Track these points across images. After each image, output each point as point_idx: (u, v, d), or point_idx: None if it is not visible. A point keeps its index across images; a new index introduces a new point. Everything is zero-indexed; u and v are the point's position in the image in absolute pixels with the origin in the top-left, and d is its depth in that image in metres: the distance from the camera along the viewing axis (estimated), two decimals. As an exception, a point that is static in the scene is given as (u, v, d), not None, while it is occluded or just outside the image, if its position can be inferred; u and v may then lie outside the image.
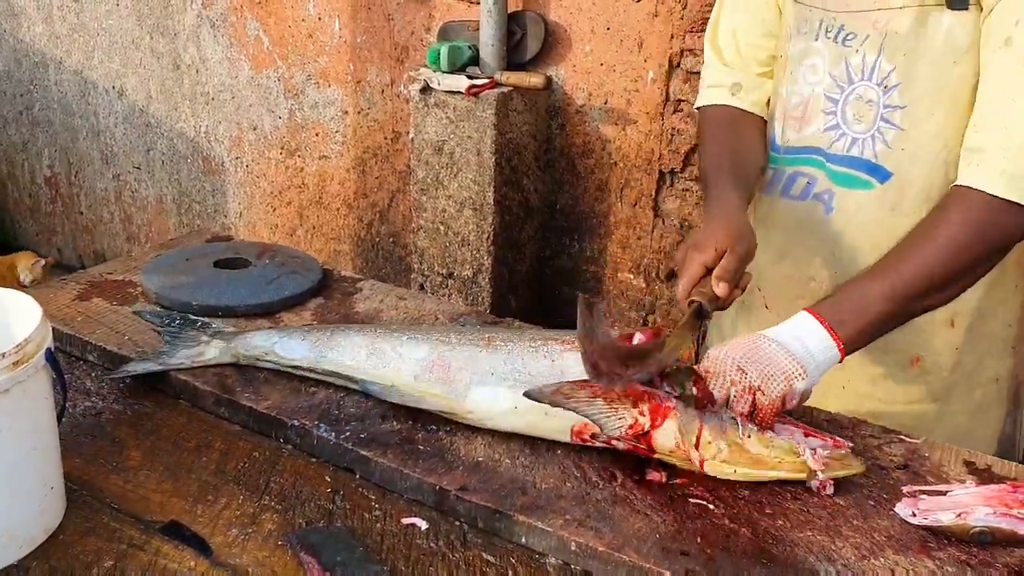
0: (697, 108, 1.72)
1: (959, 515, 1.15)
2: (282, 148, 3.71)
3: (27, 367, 1.05)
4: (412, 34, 3.20)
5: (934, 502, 1.18)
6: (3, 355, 1.02)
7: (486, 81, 2.79)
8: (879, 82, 1.45)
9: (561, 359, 1.34)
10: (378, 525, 1.18)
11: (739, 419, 1.23)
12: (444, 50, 2.82)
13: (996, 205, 1.31)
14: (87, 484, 1.23)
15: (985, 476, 1.28)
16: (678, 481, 1.25)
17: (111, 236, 4.47)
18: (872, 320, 1.31)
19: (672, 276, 2.94)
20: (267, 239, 3.88)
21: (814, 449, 1.23)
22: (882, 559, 1.11)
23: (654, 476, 1.26)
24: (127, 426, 1.37)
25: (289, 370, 1.46)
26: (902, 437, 1.37)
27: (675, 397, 1.25)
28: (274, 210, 3.84)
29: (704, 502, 1.20)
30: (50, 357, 1.10)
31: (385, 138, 3.39)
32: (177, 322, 1.54)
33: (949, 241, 1.32)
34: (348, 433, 1.32)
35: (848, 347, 1.29)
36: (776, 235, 1.61)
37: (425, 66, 2.90)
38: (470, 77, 2.81)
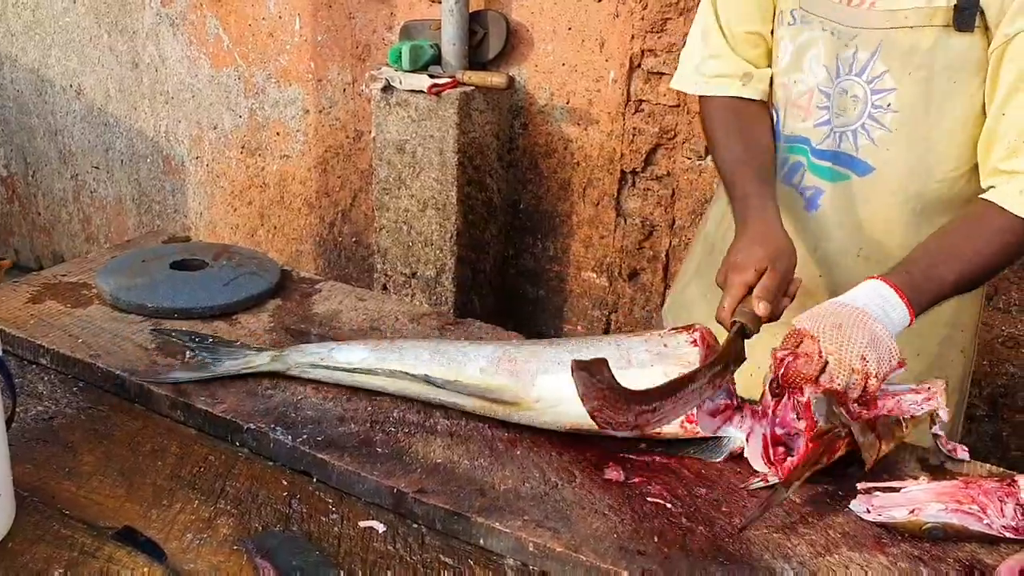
0: (699, 95, 1.66)
1: (912, 511, 1.16)
2: (242, 147, 3.68)
3: (-27, 373, 1.03)
4: (374, 32, 3.18)
5: (888, 499, 1.20)
6: (-52, 360, 1.00)
7: (448, 80, 2.79)
8: (869, 80, 1.46)
9: (626, 343, 1.35)
10: (335, 528, 1.17)
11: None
12: (406, 49, 2.81)
13: None
14: (38, 490, 1.21)
15: (938, 473, 1.29)
16: (636, 480, 1.25)
17: (70, 237, 4.41)
18: (934, 301, 1.35)
19: (635, 276, 2.95)
20: (228, 239, 3.84)
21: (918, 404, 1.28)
22: (837, 556, 1.12)
23: (613, 475, 1.26)
24: (81, 431, 1.35)
25: (343, 375, 1.43)
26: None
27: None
28: (235, 210, 3.81)
29: (661, 501, 1.21)
30: (1, 364, 1.08)
31: (347, 137, 3.37)
32: (209, 341, 1.51)
33: (997, 249, 1.39)
34: (305, 436, 1.31)
35: (915, 315, 1.32)
36: None
37: (387, 65, 2.89)
38: (432, 76, 2.80)
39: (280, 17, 3.39)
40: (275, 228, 3.72)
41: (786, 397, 1.29)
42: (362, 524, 1.18)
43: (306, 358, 1.45)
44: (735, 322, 1.34)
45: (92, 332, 1.57)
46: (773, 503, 1.18)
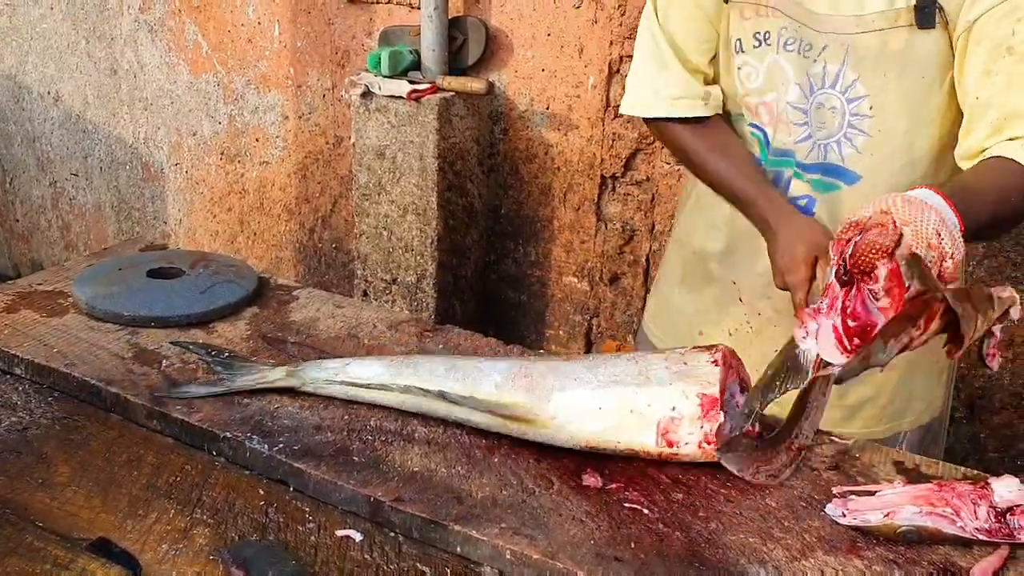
0: (649, 118, 1.67)
1: (887, 515, 1.17)
2: (222, 154, 3.66)
3: (-56, 384, 1.02)
4: (353, 38, 3.17)
5: (863, 502, 1.20)
6: (-82, 372, 0.99)
7: (428, 86, 2.79)
8: (843, 90, 1.47)
9: (644, 360, 1.34)
10: (312, 538, 1.17)
11: None
12: (385, 55, 2.80)
13: None
14: (10, 502, 1.20)
15: (913, 476, 1.30)
16: (613, 486, 1.25)
17: (48, 244, 4.38)
18: (971, 227, 1.23)
19: (616, 280, 2.96)
20: (208, 246, 3.82)
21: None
22: (812, 560, 1.12)
23: (590, 481, 1.26)
24: (55, 441, 1.34)
25: (358, 391, 1.41)
26: (833, 438, 1.39)
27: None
28: (214, 216, 3.79)
29: (638, 506, 1.21)
30: (-31, 373, 1.07)
31: (327, 143, 3.37)
32: (225, 356, 1.51)
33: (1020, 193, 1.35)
34: (281, 445, 1.31)
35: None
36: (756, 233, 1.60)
37: (366, 70, 2.88)
38: (412, 82, 2.80)
39: (259, 23, 3.38)
40: (255, 234, 3.71)
41: (855, 287, 1.17)
42: (339, 533, 1.18)
43: (321, 373, 1.43)
44: None
45: (68, 341, 1.56)
46: (873, 358, 1.10)
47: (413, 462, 1.29)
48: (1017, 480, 1.19)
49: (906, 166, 1.50)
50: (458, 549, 1.15)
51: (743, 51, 1.56)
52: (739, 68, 1.57)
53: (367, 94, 2.83)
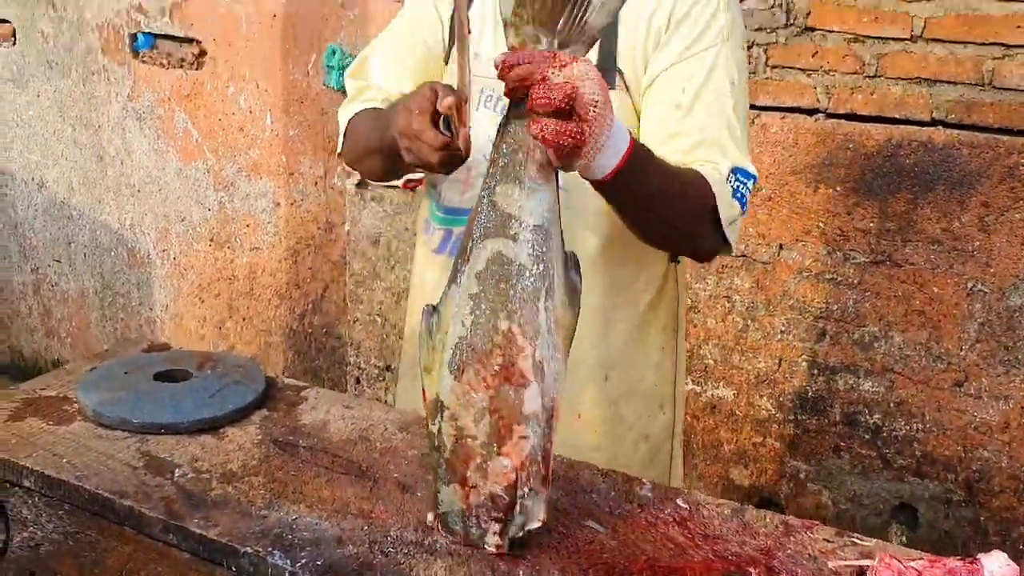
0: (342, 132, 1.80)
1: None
2: (211, 240, 3.66)
3: (-29, 513, 1.00)
4: (345, 127, 3.21)
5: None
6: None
7: (421, 175, 2.81)
8: None
9: None
10: (341, 660, 1.15)
11: None
12: (379, 145, 2.83)
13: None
14: (29, 629, 1.17)
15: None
16: (643, 598, 1.24)
17: (29, 331, 4.33)
18: (641, 179, 1.34)
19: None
20: (194, 332, 3.80)
21: None
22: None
23: (618, 593, 1.25)
24: (69, 557, 1.31)
25: None
26: (855, 540, 1.39)
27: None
28: (202, 302, 3.77)
29: (671, 621, 1.20)
30: (-6, 500, 1.05)
31: (319, 229, 3.38)
32: None
33: (695, 200, 1.47)
34: (304, 560, 1.28)
35: (628, 162, 1.29)
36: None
37: (360, 161, 2.91)
38: (406, 172, 2.83)
39: (251, 112, 3.41)
40: (244, 320, 3.69)
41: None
42: (368, 654, 1.16)
43: None
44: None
45: (77, 451, 1.53)
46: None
47: (439, 575, 1.27)
48: (1006, 555, 1.20)
49: (602, 214, 1.55)
50: (492, 670, 1.13)
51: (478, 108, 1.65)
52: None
53: (362, 183, 2.85)
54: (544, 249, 1.23)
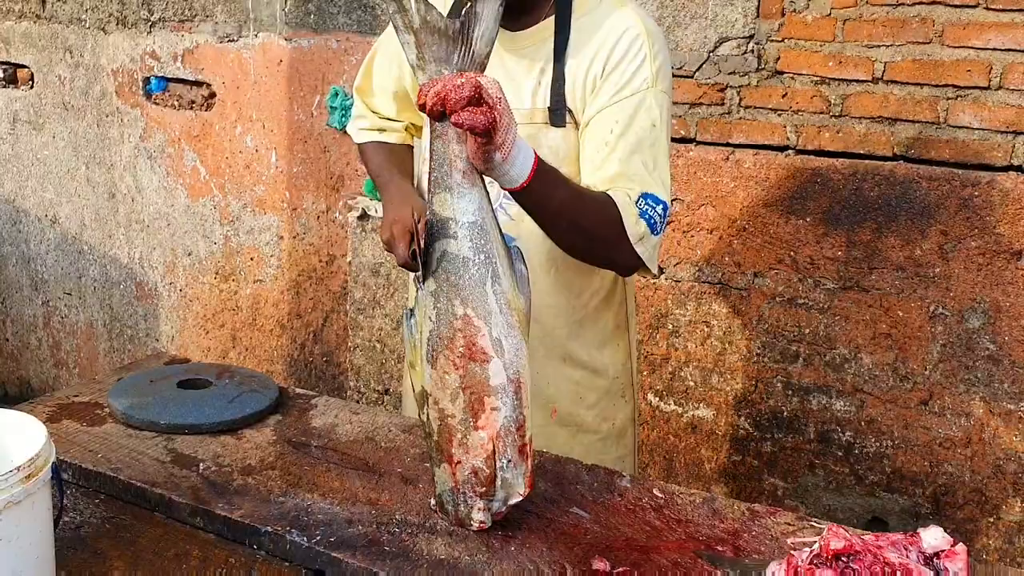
0: (356, 144, 2.12)
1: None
2: (216, 272, 3.83)
3: (37, 480, 1.16)
4: (348, 164, 3.40)
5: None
6: (18, 469, 1.13)
7: (419, 209, 2.99)
8: None
9: None
10: (353, 619, 1.30)
11: None
12: (380, 181, 3.02)
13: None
14: (77, 593, 1.32)
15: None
16: (620, 570, 1.39)
17: (38, 362, 4.47)
18: (545, 192, 1.52)
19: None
20: (200, 361, 3.95)
21: None
22: (801, 629, 1.26)
23: (599, 566, 1.40)
24: (107, 538, 1.46)
25: None
26: (813, 524, 1.54)
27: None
28: (207, 332, 3.93)
29: (645, 586, 1.35)
30: (55, 471, 1.21)
31: (320, 261, 3.55)
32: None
33: (602, 220, 1.65)
34: (319, 537, 1.44)
35: (537, 174, 1.47)
36: None
37: (362, 194, 3.09)
38: (404, 205, 3.01)
39: (257, 151, 3.60)
40: (247, 349, 3.85)
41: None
42: (377, 615, 1.31)
43: None
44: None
45: (109, 447, 1.69)
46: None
47: (439, 551, 1.43)
48: (942, 530, 1.35)
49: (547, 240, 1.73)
50: (486, 626, 1.28)
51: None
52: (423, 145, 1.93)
53: (363, 216, 3.03)
54: (482, 242, 1.42)
